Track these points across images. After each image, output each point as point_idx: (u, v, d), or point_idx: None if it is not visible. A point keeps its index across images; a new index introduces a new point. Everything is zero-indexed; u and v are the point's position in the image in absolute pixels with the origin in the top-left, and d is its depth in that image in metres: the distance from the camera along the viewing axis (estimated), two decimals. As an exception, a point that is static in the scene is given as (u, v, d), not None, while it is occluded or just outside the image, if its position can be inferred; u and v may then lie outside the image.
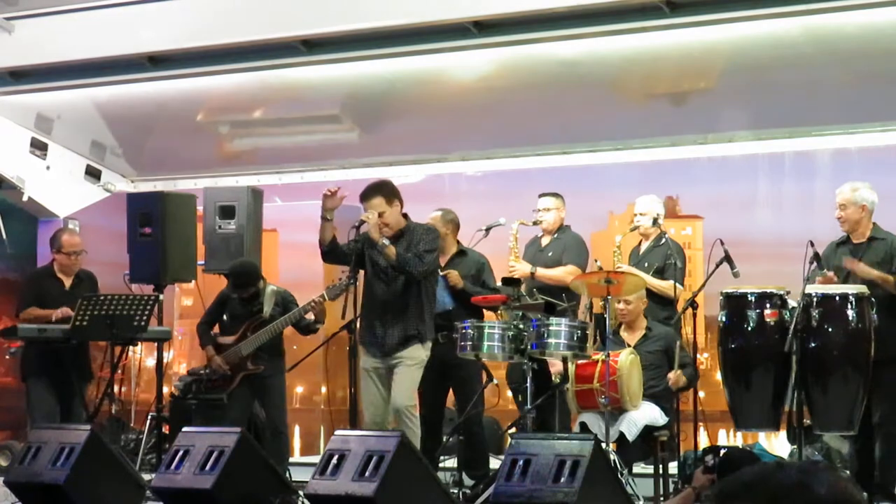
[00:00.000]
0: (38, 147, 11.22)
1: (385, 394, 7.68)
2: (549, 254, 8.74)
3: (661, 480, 7.62)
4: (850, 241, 7.50)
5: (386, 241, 7.57)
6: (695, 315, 7.64)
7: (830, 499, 1.93)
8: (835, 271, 7.37)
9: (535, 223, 8.78)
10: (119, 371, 9.10)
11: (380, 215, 7.60)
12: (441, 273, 8.21)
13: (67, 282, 8.95)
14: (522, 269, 8.53)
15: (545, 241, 8.84)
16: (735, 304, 7.32)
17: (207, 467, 6.71)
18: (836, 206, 7.49)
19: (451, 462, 7.98)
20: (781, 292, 7.26)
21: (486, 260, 8.49)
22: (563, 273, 8.57)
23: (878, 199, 7.48)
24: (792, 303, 7.19)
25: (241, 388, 8.53)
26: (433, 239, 7.77)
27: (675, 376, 7.75)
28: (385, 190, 7.74)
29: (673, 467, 7.77)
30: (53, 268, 9.00)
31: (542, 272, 8.58)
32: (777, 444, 8.65)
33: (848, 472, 7.48)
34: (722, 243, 7.63)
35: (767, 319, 7.20)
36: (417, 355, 7.68)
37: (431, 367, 8.26)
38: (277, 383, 8.57)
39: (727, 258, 7.64)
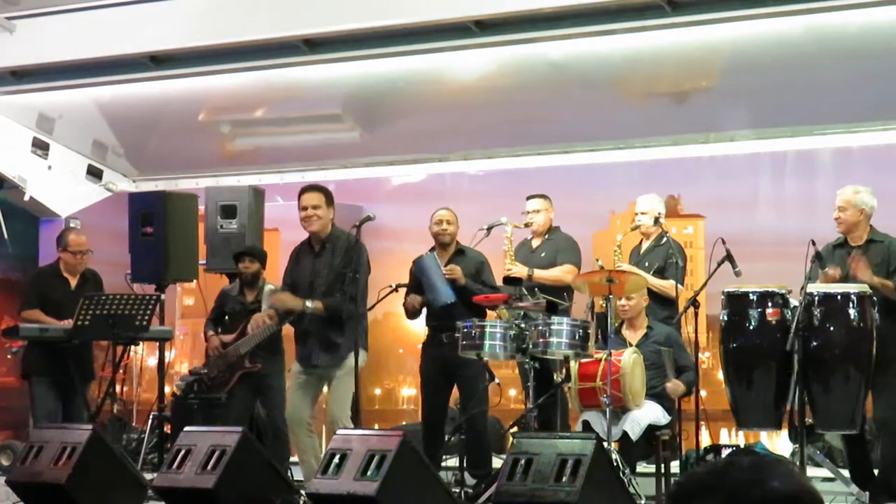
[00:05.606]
0: (40, 147, 11.22)
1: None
2: (542, 255, 8.71)
3: (662, 480, 7.62)
4: (847, 244, 7.48)
5: (309, 304, 7.74)
6: (696, 314, 7.63)
7: (785, 491, 1.96)
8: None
9: (526, 225, 8.75)
10: (121, 371, 9.09)
11: (314, 208, 7.86)
12: (444, 268, 8.22)
13: (73, 281, 8.94)
14: (519, 271, 8.50)
15: (536, 242, 8.81)
16: (737, 303, 7.32)
17: (209, 467, 6.72)
18: (834, 206, 7.47)
19: (454, 461, 7.98)
20: (783, 291, 7.26)
21: (485, 258, 8.47)
22: (561, 273, 8.55)
23: (877, 204, 7.46)
24: (794, 302, 7.19)
25: (242, 387, 8.53)
26: (364, 267, 7.78)
27: (672, 385, 7.72)
28: (327, 191, 8.02)
29: (675, 467, 7.77)
30: (59, 267, 8.99)
31: (539, 273, 8.54)
32: (779, 443, 8.64)
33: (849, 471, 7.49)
34: (723, 242, 7.62)
35: (769, 318, 7.20)
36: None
37: (434, 367, 8.28)
38: (278, 383, 8.57)
39: (729, 257, 7.63)
